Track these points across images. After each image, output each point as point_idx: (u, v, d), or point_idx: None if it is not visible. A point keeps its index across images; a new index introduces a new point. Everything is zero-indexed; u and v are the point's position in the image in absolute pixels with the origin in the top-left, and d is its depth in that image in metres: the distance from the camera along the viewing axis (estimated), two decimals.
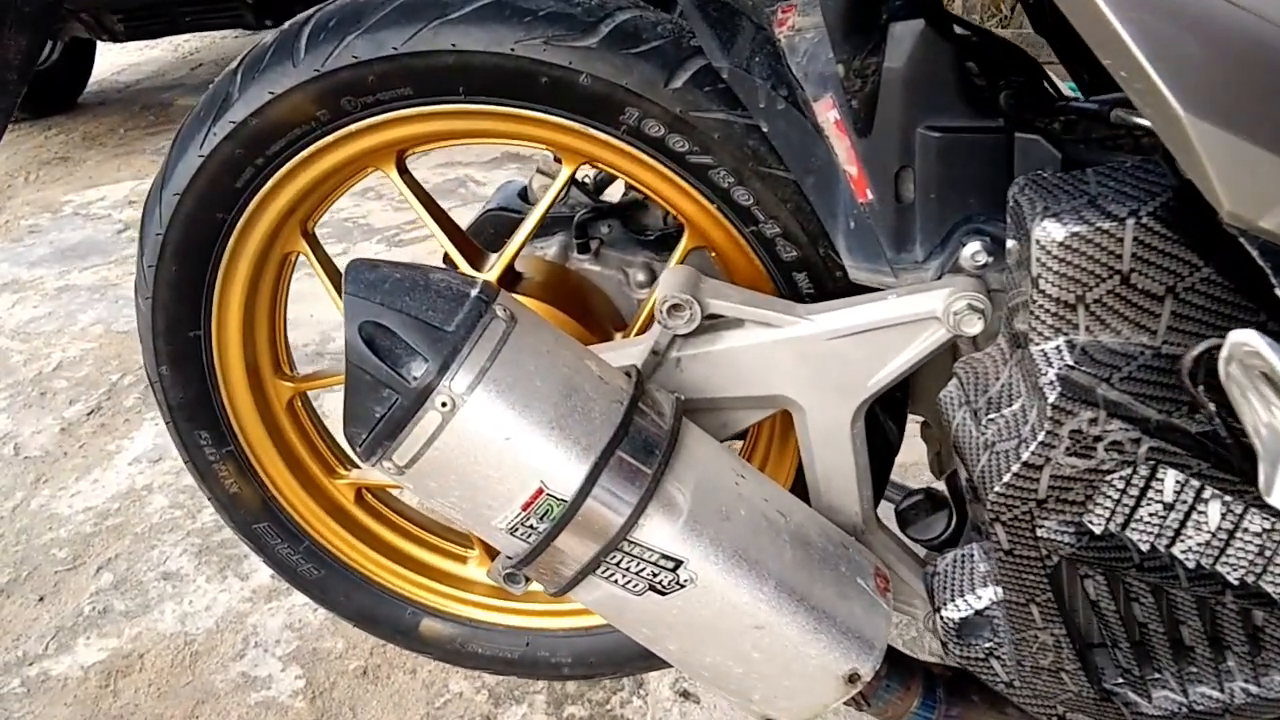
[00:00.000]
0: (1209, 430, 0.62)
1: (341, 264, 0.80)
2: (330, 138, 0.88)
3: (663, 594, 0.74)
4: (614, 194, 1.18)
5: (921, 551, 0.93)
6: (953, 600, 0.77)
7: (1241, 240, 0.50)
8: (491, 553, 1.16)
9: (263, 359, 1.05)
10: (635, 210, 1.07)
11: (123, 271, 2.83)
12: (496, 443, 0.70)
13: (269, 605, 1.54)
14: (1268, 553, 0.66)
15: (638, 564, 0.73)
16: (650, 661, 1.13)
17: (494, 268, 0.94)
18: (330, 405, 1.76)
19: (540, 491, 0.71)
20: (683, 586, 0.74)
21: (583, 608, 1.12)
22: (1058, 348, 0.63)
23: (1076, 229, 0.60)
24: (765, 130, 0.80)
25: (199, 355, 1.01)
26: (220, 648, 1.47)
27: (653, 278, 1.04)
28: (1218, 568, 0.67)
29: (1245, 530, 0.65)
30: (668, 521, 0.73)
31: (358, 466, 1.16)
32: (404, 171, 0.95)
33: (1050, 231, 0.61)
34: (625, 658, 1.13)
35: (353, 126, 0.87)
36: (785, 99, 0.78)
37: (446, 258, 1.04)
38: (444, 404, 0.69)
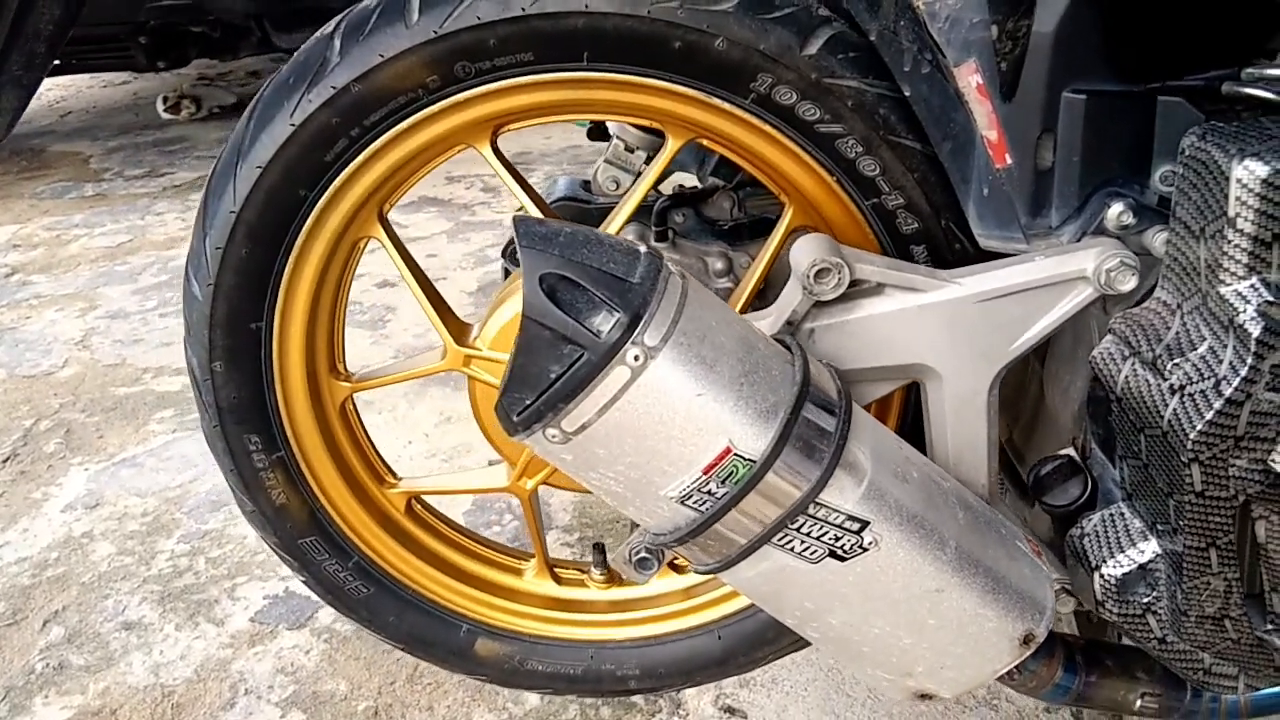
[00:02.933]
0: None
1: None
2: (435, 108, 0.83)
3: (843, 559, 0.71)
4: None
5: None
6: (1112, 557, 0.77)
7: None
8: (550, 564, 1.10)
9: (320, 356, 0.97)
10: (706, 200, 1.06)
11: (16, 315, 2.60)
12: (686, 400, 0.66)
13: (253, 650, 1.40)
14: None
15: (820, 528, 0.70)
16: (721, 668, 1.09)
17: None
18: None
19: (727, 451, 0.67)
20: (865, 550, 0.71)
21: (653, 615, 1.07)
22: (1253, 285, 0.65)
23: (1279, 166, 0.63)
24: (909, 95, 0.80)
25: (257, 350, 0.92)
26: (205, 698, 1.33)
27: (730, 267, 1.03)
28: None
29: None
30: (854, 482, 0.70)
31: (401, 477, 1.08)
32: (498, 150, 0.90)
33: (1254, 169, 0.63)
34: (696, 666, 1.08)
35: (460, 96, 0.83)
36: (929, 63, 0.79)
37: (515, 251, 1.00)
38: (636, 358, 0.65)
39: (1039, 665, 0.83)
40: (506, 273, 1.06)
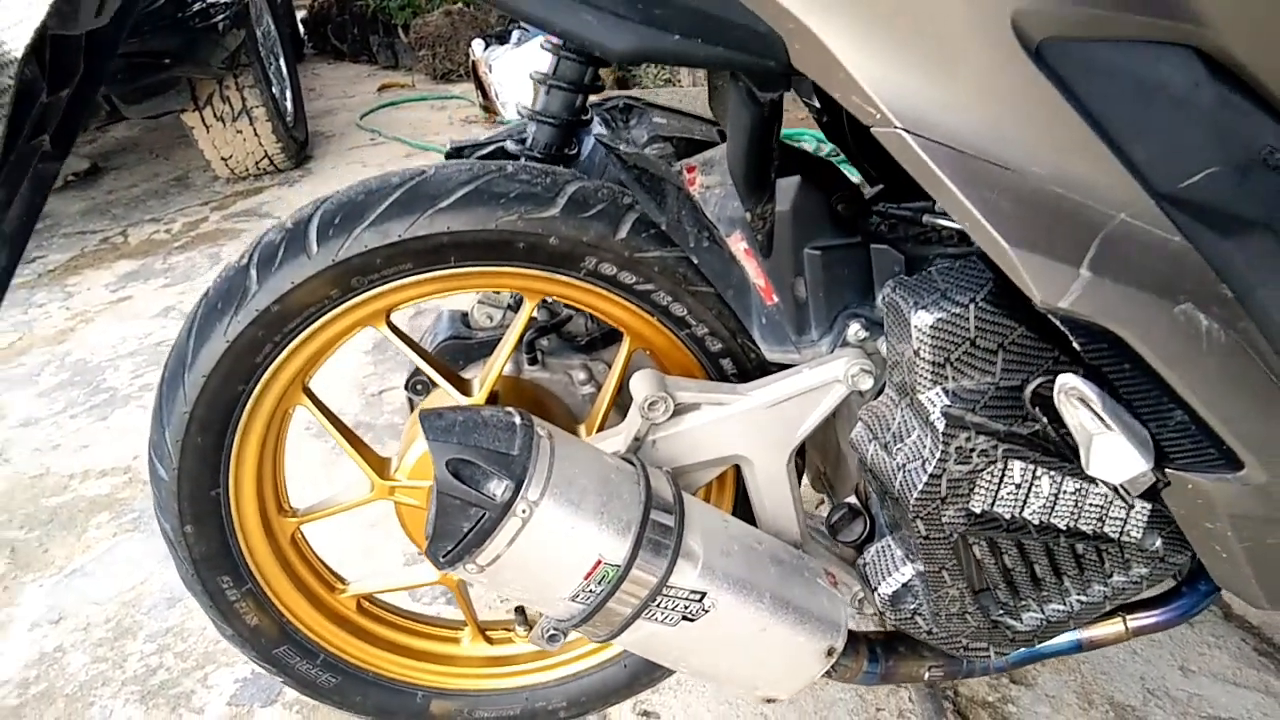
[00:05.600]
0: (1035, 431, 0.95)
1: None
2: (339, 309, 1.06)
3: (692, 621, 0.99)
4: None
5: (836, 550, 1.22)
6: (884, 579, 1.07)
7: (1049, 316, 0.83)
8: (481, 628, 1.35)
9: (269, 502, 1.20)
10: (564, 325, 1.31)
11: None
12: (563, 533, 0.92)
13: None
14: (1078, 505, 1.00)
15: (673, 602, 0.97)
16: (630, 690, 1.37)
17: (483, 391, 1.15)
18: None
19: (599, 562, 0.94)
20: (707, 612, 0.98)
21: (570, 658, 1.34)
22: (937, 393, 0.95)
23: (940, 315, 0.92)
24: (695, 261, 1.07)
25: (219, 510, 1.14)
26: None
27: (590, 376, 1.29)
28: (1052, 520, 1.00)
29: (1064, 493, 0.99)
30: (691, 566, 0.97)
31: (349, 582, 1.31)
32: (392, 325, 1.13)
33: (924, 319, 0.92)
34: (610, 691, 1.36)
35: (358, 299, 1.06)
36: (709, 239, 1.06)
37: (414, 383, 1.25)
38: (523, 510, 0.90)
39: (850, 660, 1.13)
40: (411, 403, 1.30)
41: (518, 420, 0.95)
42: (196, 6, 3.98)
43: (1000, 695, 1.46)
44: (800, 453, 1.24)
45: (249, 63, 4.41)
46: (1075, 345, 0.86)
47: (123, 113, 4.26)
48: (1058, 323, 0.85)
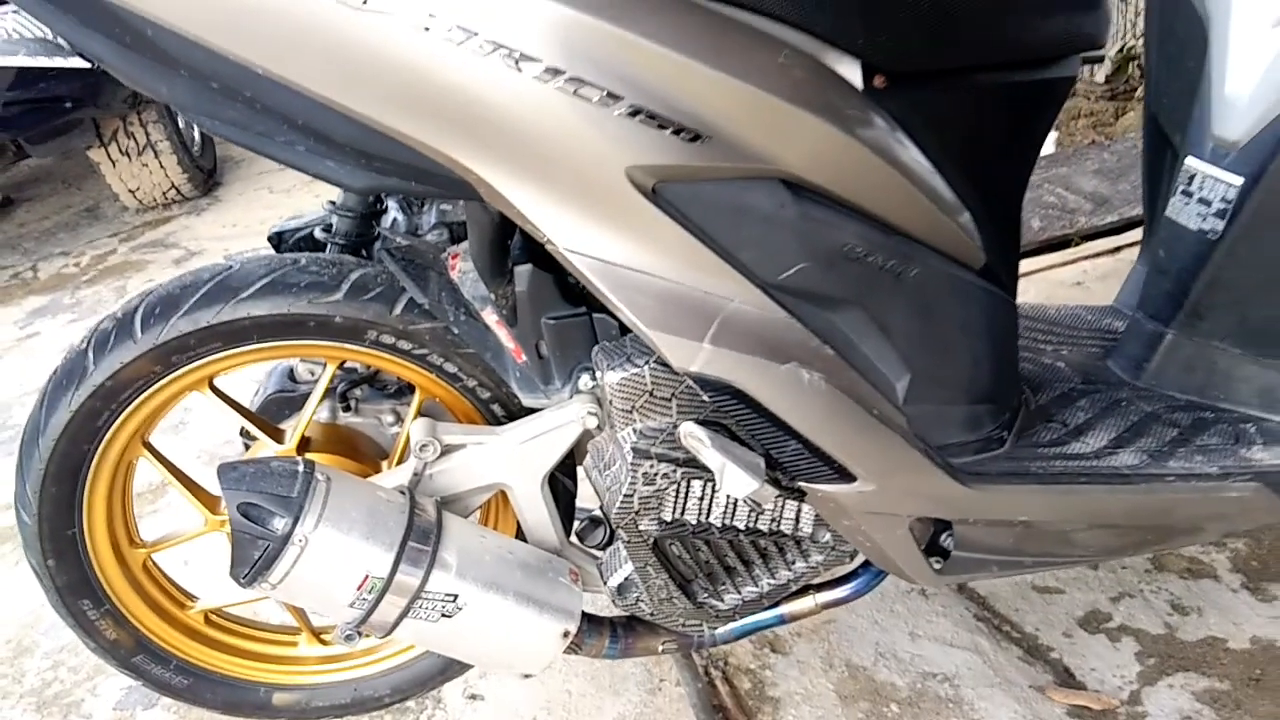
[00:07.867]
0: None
1: None
2: (164, 381, 1.31)
3: (450, 617, 1.26)
4: None
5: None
6: (612, 574, 1.35)
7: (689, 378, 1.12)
8: (315, 632, 1.61)
9: (120, 536, 1.44)
10: (375, 376, 1.57)
11: None
12: (335, 556, 1.19)
13: None
14: (752, 511, 1.29)
15: (432, 603, 1.24)
16: (444, 676, 1.63)
17: (292, 439, 1.40)
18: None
19: (367, 577, 1.20)
20: (461, 610, 1.25)
21: (391, 653, 1.61)
22: (628, 433, 1.23)
23: (625, 374, 1.20)
24: (457, 332, 1.34)
25: (75, 547, 1.38)
26: None
27: (398, 418, 1.55)
28: (733, 523, 1.29)
29: (740, 502, 1.28)
30: (445, 574, 1.24)
31: (198, 599, 1.56)
32: (215, 389, 1.38)
33: (613, 377, 1.20)
34: (428, 677, 1.62)
35: (180, 372, 1.31)
36: (465, 314, 1.33)
37: (245, 431, 1.50)
38: (300, 540, 1.16)
39: (593, 640, 1.41)
40: (247, 447, 1.54)
41: (300, 468, 1.21)
42: None
43: (761, 663, 1.75)
44: (570, 472, 1.52)
45: (152, 99, 4.58)
46: (705, 397, 1.14)
47: (29, 153, 4.41)
48: (692, 381, 1.13)
